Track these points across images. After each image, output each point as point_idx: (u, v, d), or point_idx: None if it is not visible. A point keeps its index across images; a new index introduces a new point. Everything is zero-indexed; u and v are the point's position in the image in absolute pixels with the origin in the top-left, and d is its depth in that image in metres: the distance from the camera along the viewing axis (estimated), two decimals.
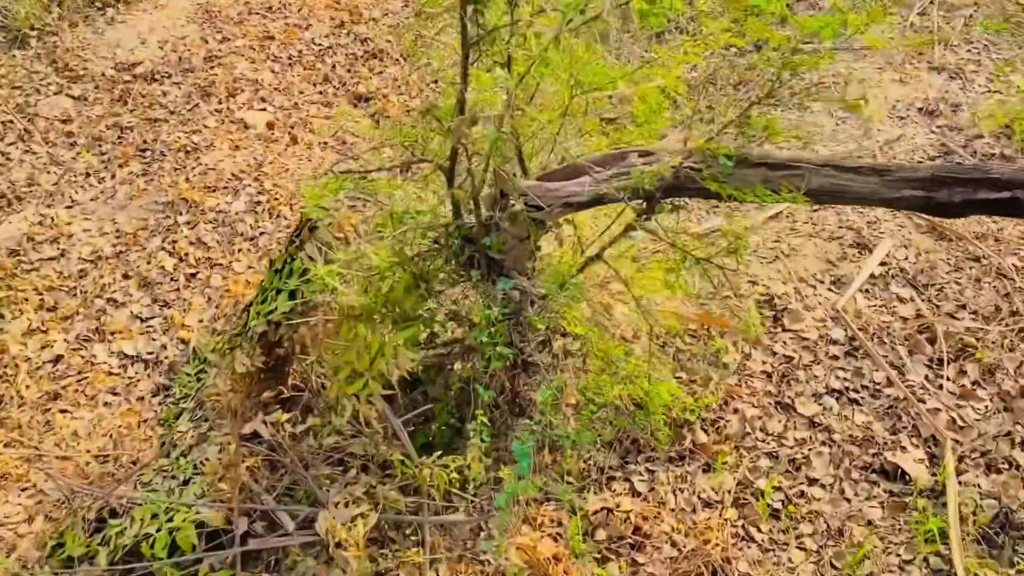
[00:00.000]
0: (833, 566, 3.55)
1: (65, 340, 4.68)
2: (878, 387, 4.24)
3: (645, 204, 3.08)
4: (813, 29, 2.23)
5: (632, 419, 3.91)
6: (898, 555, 3.54)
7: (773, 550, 3.62)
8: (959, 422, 3.99)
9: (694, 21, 6.44)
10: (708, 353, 4.45)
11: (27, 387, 4.41)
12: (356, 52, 7.60)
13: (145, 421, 4.32)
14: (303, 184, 5.46)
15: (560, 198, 3.17)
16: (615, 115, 6.00)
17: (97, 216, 5.46)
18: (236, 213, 5.47)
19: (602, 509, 3.73)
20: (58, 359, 4.60)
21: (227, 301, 4.86)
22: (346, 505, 3.35)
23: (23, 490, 3.98)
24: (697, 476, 3.89)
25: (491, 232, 3.39)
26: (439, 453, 3.52)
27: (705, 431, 4.07)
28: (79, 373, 4.51)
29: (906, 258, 4.95)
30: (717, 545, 3.59)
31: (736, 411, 4.16)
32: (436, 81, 7.05)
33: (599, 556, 3.59)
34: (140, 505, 3.63)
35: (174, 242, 5.25)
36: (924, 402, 4.09)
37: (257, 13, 7.79)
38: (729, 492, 3.82)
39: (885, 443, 3.95)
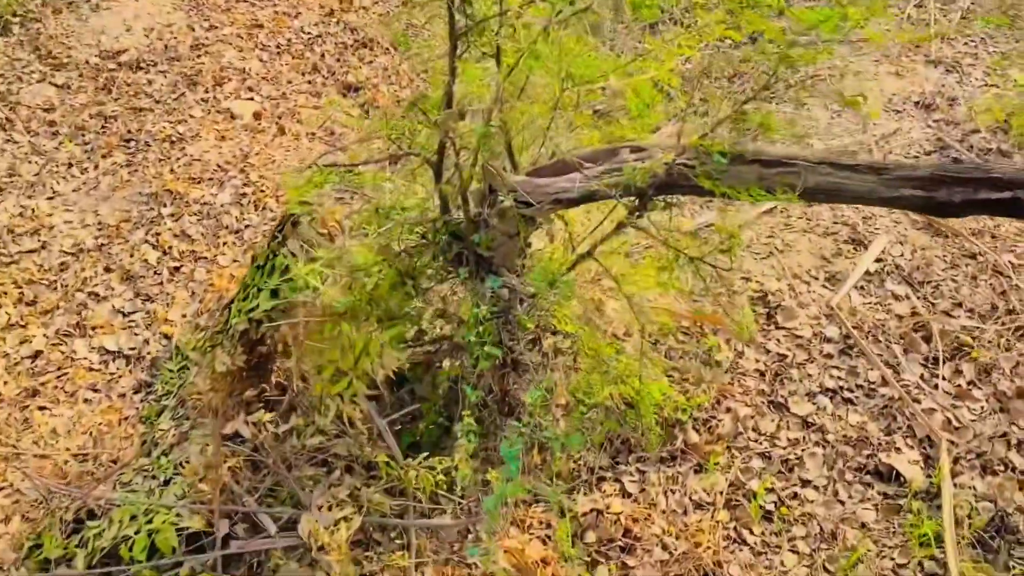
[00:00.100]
0: (826, 570, 3.49)
1: (45, 335, 4.58)
2: (873, 386, 4.18)
3: (637, 201, 3.00)
4: (812, 23, 2.15)
5: (623, 420, 3.84)
6: (892, 559, 3.48)
7: (765, 553, 3.56)
8: (955, 423, 3.93)
9: (688, 12, 6.35)
10: (701, 351, 4.38)
11: (4, 383, 4.31)
12: (346, 41, 7.49)
13: (126, 418, 4.23)
14: (284, 177, 5.35)
15: (550, 194, 3.09)
16: (607, 108, 5.92)
17: (79, 208, 5.35)
18: (221, 205, 5.36)
19: (592, 511, 3.66)
20: (37, 355, 4.50)
21: (211, 296, 4.76)
22: (329, 508, 3.28)
23: (0, 489, 3.89)
24: (689, 477, 3.82)
25: (480, 228, 3.30)
26: (426, 454, 3.45)
27: (697, 431, 4.01)
28: (59, 369, 4.42)
29: (902, 255, 4.88)
30: (708, 548, 3.53)
31: (729, 410, 4.09)
32: (426, 71, 6.93)
33: (589, 559, 3.52)
34: (119, 506, 3.55)
35: (158, 235, 5.15)
36: (919, 402, 4.03)
37: (245, 1, 7.66)
38: (721, 493, 3.75)
39: (879, 444, 3.89)
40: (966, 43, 7.06)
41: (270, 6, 7.68)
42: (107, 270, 4.95)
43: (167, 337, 4.61)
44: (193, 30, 7.24)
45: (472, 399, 3.28)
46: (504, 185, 3.12)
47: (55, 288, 4.82)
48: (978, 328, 4.36)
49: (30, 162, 5.68)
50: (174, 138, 5.93)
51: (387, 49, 7.40)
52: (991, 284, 4.61)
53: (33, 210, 5.28)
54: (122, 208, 5.34)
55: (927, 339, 4.35)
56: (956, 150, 5.80)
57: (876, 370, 4.22)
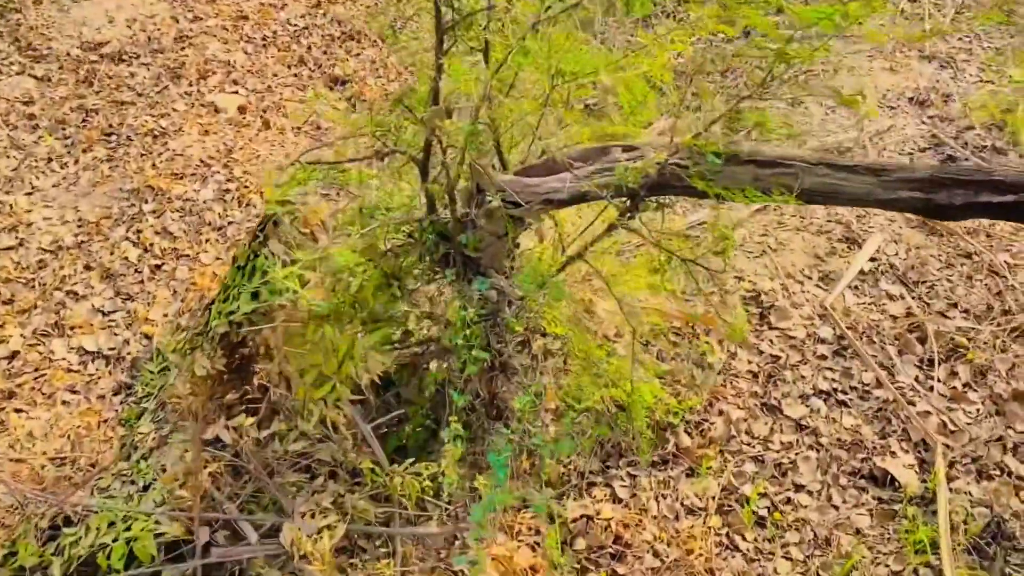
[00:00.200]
0: None
1: (22, 335, 4.46)
2: (867, 388, 4.11)
3: (629, 202, 2.91)
4: (812, 20, 2.07)
5: (614, 423, 3.76)
6: (887, 566, 3.42)
7: (758, 560, 3.49)
8: (950, 426, 3.87)
9: (681, 6, 6.25)
10: (693, 352, 4.31)
11: None
12: (333, 33, 7.37)
13: (105, 421, 4.12)
14: (265, 175, 5.24)
15: (540, 195, 3.00)
16: (598, 102, 5.83)
17: (58, 203, 5.23)
18: (204, 201, 5.25)
19: (582, 517, 3.59)
20: (14, 355, 4.38)
21: (193, 294, 4.66)
22: (313, 516, 3.19)
23: None
24: (680, 481, 3.75)
25: (467, 229, 3.21)
26: (411, 460, 3.36)
27: (689, 434, 3.93)
28: (36, 370, 4.31)
29: (896, 254, 4.82)
30: (701, 555, 3.46)
31: (721, 413, 4.02)
32: (414, 64, 6.83)
33: (578, 567, 3.45)
34: (97, 513, 3.45)
35: (139, 232, 5.03)
36: (914, 405, 3.96)
37: None
38: (713, 498, 3.69)
39: (874, 447, 3.83)
40: (960, 39, 6.99)
41: None
42: (87, 268, 4.83)
43: (148, 337, 4.50)
44: (177, 21, 7.10)
45: (459, 404, 3.19)
46: (492, 185, 3.03)
47: (33, 287, 4.71)
48: (973, 329, 4.30)
49: (8, 156, 5.55)
50: (156, 132, 5.80)
51: (375, 41, 7.28)
52: (986, 284, 4.55)
53: (11, 206, 5.16)
54: (102, 204, 5.22)
55: (922, 340, 4.29)
56: (951, 147, 5.74)
57: (870, 372, 4.16)
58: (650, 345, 4.25)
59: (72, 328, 4.51)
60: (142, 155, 5.60)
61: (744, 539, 3.54)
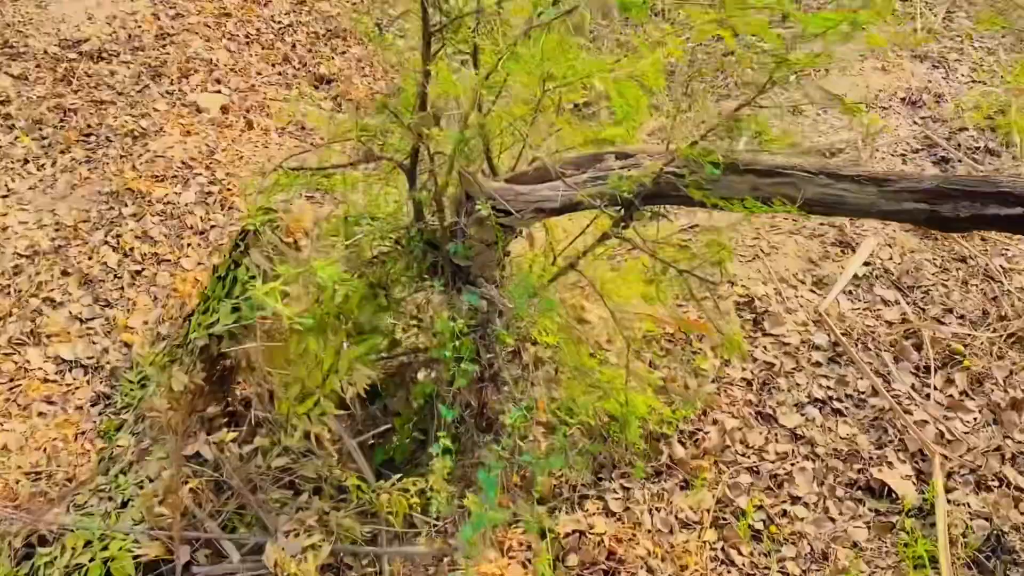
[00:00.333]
0: None
1: None
2: (863, 396, 4.05)
3: (623, 211, 2.82)
4: (819, 29, 1.98)
5: (607, 433, 3.68)
6: None
7: (754, 575, 3.41)
8: (947, 435, 3.80)
9: (675, 10, 6.15)
10: (686, 360, 4.23)
11: None
12: (318, 31, 7.24)
13: (83, 433, 4.00)
14: (243, 183, 5.11)
15: (531, 203, 2.90)
16: (589, 102, 5.73)
17: (35, 207, 5.09)
18: (186, 205, 5.12)
19: (574, 532, 3.50)
20: None
21: (174, 301, 4.53)
22: (297, 534, 3.09)
23: None
24: (675, 494, 3.67)
25: (456, 237, 3.11)
26: (399, 476, 3.26)
27: (683, 444, 3.85)
28: (11, 380, 4.18)
29: (890, 258, 4.75)
30: (696, 571, 3.38)
31: (715, 422, 3.94)
32: (400, 63, 6.71)
33: None
34: (73, 531, 3.34)
35: (118, 236, 4.90)
36: (911, 413, 3.90)
37: None
38: (708, 511, 3.61)
39: (871, 458, 3.76)
40: (952, 38, 6.94)
41: None
42: (64, 274, 4.70)
43: (127, 345, 4.38)
44: (158, 19, 6.95)
45: (448, 419, 3.10)
46: (482, 192, 2.93)
47: (7, 293, 4.57)
48: (970, 335, 4.24)
49: None
50: (136, 133, 5.66)
51: (361, 40, 7.16)
52: (982, 289, 4.49)
53: None
54: (81, 207, 5.08)
55: (918, 347, 4.23)
56: (944, 148, 5.68)
57: (866, 379, 4.09)
58: (643, 352, 4.16)
59: (49, 336, 4.38)
60: (122, 156, 5.46)
61: (740, 553, 3.47)
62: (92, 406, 4.14)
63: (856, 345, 4.27)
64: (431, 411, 3.53)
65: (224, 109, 6.05)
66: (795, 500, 3.65)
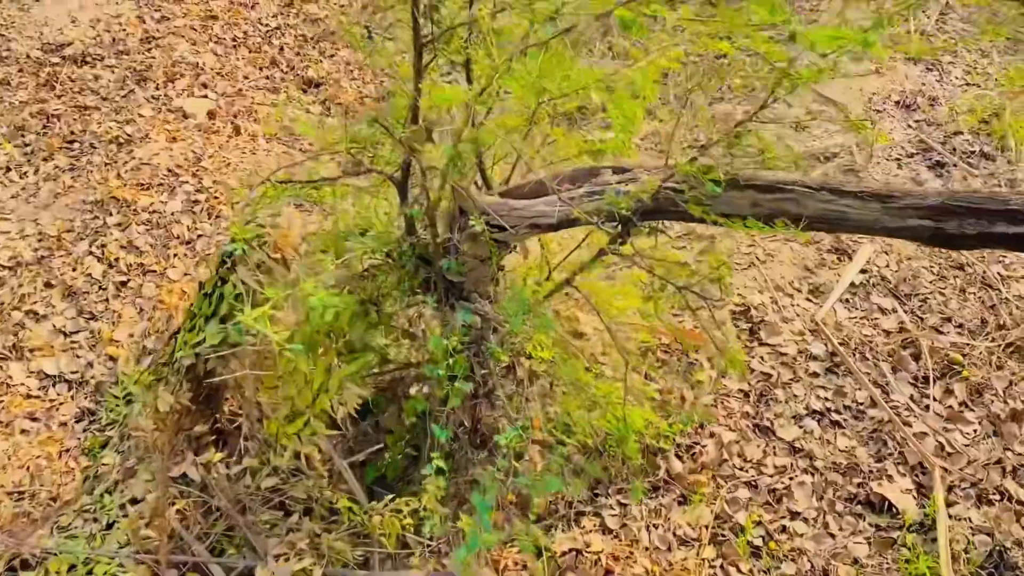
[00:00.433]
0: None
1: None
2: (861, 408, 4.00)
3: (620, 227, 2.75)
4: (828, 46, 1.92)
5: (602, 451, 3.62)
6: None
7: None
8: (947, 448, 3.76)
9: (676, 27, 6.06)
10: (682, 371, 4.17)
11: None
12: (306, 33, 7.14)
13: (67, 451, 3.91)
14: (231, 195, 5.00)
15: (526, 218, 2.83)
16: (583, 105, 5.65)
17: (17, 216, 4.98)
18: (172, 213, 5.02)
19: (571, 550, 3.43)
20: None
21: (161, 313, 4.44)
22: (287, 558, 3.01)
23: None
24: (672, 510, 3.61)
25: (449, 253, 3.04)
26: (391, 497, 3.18)
27: (680, 458, 3.79)
28: None
29: (887, 265, 4.71)
30: None
31: (712, 435, 3.89)
32: (391, 65, 6.61)
33: None
34: (56, 555, 3.25)
35: (103, 246, 4.80)
36: (910, 425, 3.85)
37: None
38: (707, 527, 3.55)
39: (870, 471, 3.71)
40: (945, 40, 6.90)
41: None
42: (47, 285, 4.60)
43: (113, 359, 4.28)
44: (143, 21, 6.84)
45: (441, 439, 3.02)
46: (476, 207, 2.86)
47: None
48: (968, 345, 4.20)
49: None
50: (121, 139, 5.56)
51: (349, 42, 7.06)
52: (980, 298, 4.45)
53: None
54: (64, 217, 4.98)
55: (916, 357, 4.18)
56: (938, 152, 5.64)
57: (864, 390, 4.04)
58: (638, 365, 4.09)
59: (32, 351, 4.28)
60: (106, 164, 5.35)
61: (739, 571, 3.41)
62: (76, 422, 4.04)
63: (854, 355, 4.22)
64: (424, 427, 3.46)
65: (211, 114, 5.95)
66: (794, 515, 3.59)
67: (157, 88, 6.13)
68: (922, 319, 4.39)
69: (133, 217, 4.97)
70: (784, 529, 3.54)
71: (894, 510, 3.56)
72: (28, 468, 3.82)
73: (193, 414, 3.32)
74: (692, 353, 4.21)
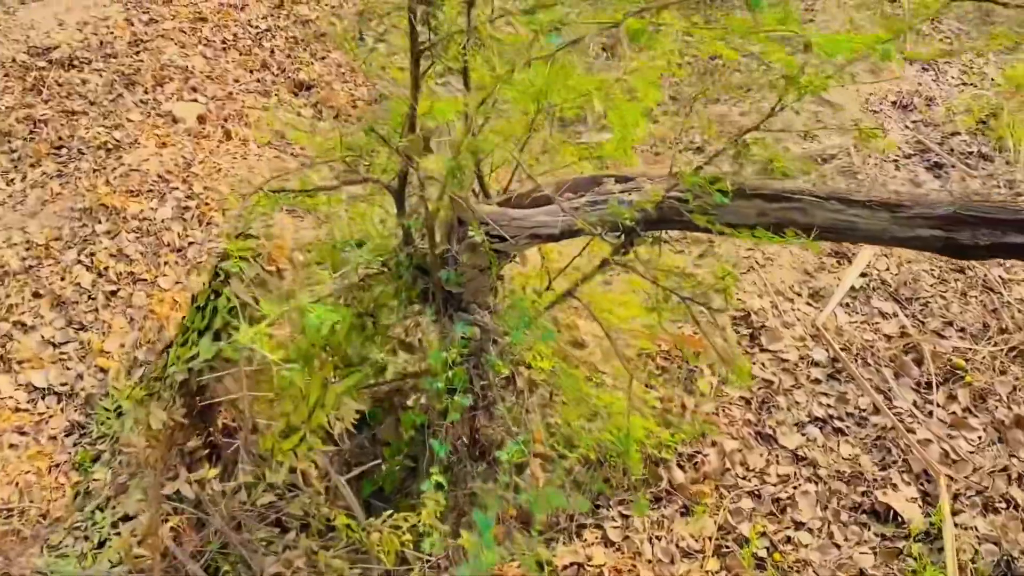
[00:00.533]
0: None
1: None
2: (864, 414, 3.95)
3: (624, 237, 2.69)
4: (844, 53, 1.86)
5: (603, 460, 3.56)
6: None
7: None
8: (952, 455, 3.71)
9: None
10: (682, 377, 4.12)
11: None
12: (297, 35, 7.05)
13: (57, 466, 3.83)
14: (223, 202, 4.92)
15: (526, 229, 2.77)
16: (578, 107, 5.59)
17: (4, 224, 4.89)
18: (162, 221, 4.94)
19: (572, 564, 3.37)
20: None
21: (152, 323, 4.36)
22: None
23: None
24: (675, 521, 3.56)
25: (448, 264, 2.98)
26: (390, 512, 3.12)
27: (682, 468, 3.74)
28: None
29: (887, 269, 4.66)
30: None
31: (714, 444, 3.83)
32: (384, 68, 6.54)
33: None
34: (47, 575, 3.18)
35: (92, 254, 4.71)
36: (914, 432, 3.81)
37: None
38: (710, 539, 3.49)
39: (874, 480, 3.66)
40: (941, 39, 6.87)
41: None
42: (35, 295, 4.51)
43: (103, 371, 4.20)
44: (131, 24, 6.74)
45: (441, 454, 2.96)
46: (475, 218, 2.79)
47: None
48: (971, 349, 4.16)
49: None
50: (110, 145, 5.47)
51: (341, 45, 6.98)
52: (982, 301, 4.41)
53: None
54: (52, 225, 4.89)
55: (918, 362, 4.13)
56: (936, 153, 5.61)
57: (867, 396, 3.99)
58: (638, 371, 4.04)
59: (20, 362, 4.20)
60: (95, 170, 5.27)
61: None
62: (67, 436, 3.96)
63: (855, 360, 4.18)
64: (422, 438, 3.39)
65: (201, 119, 5.86)
66: (799, 526, 3.54)
67: (146, 92, 6.04)
68: (923, 323, 4.35)
69: (123, 224, 4.89)
70: (789, 540, 3.49)
71: (899, 519, 3.51)
72: (17, 484, 3.74)
73: (186, 429, 3.25)
74: (693, 360, 4.15)
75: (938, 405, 3.94)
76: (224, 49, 6.71)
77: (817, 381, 4.11)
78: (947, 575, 3.26)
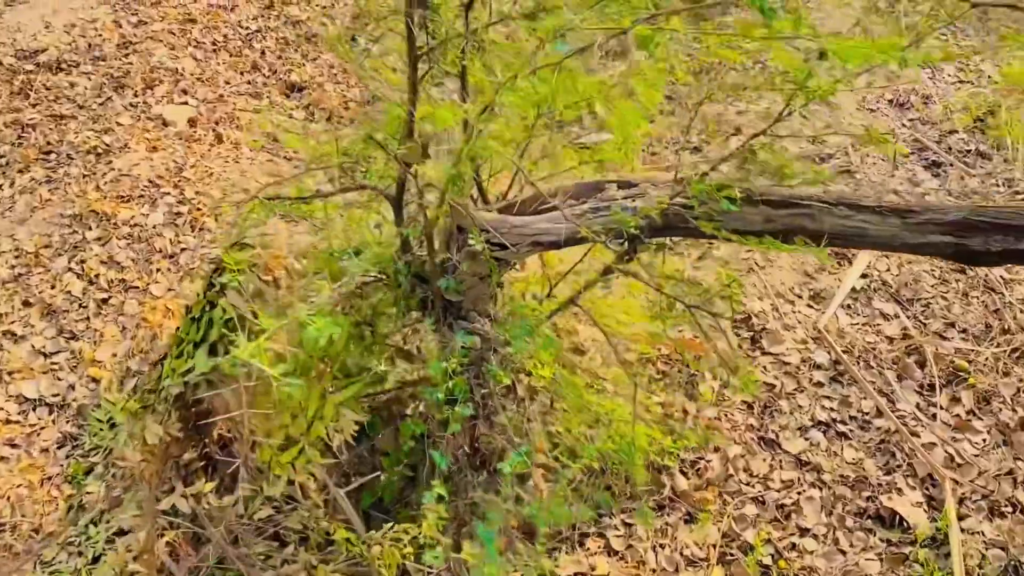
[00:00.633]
0: None
1: None
2: (867, 418, 3.92)
3: (627, 244, 2.64)
4: (862, 60, 1.82)
5: (605, 469, 3.51)
6: None
7: None
8: (956, 459, 3.68)
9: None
10: (684, 381, 4.07)
11: None
12: (287, 36, 6.97)
13: (50, 479, 3.76)
14: (215, 207, 4.85)
15: (528, 236, 2.71)
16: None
17: None
18: (154, 226, 4.86)
19: (575, 574, 3.33)
20: None
21: (144, 332, 4.29)
22: None
23: None
24: (679, 529, 3.51)
25: (447, 272, 2.92)
26: (391, 525, 3.06)
27: (685, 474, 3.70)
28: None
29: (888, 269, 4.63)
30: None
31: (717, 450, 3.79)
32: (377, 70, 6.46)
33: None
34: None
35: (83, 262, 4.64)
36: (918, 435, 3.77)
37: None
38: (714, 546, 3.45)
39: (879, 484, 3.63)
40: (936, 36, 6.83)
41: None
42: (25, 304, 4.43)
43: (95, 381, 4.13)
44: (119, 26, 6.65)
45: (442, 466, 2.91)
46: (475, 225, 2.73)
47: None
48: (973, 351, 4.13)
49: None
50: (100, 150, 5.38)
51: (336, 53, 6.91)
52: (983, 301, 4.38)
53: None
54: (42, 232, 4.81)
55: (921, 364, 4.10)
56: (934, 152, 5.58)
57: (870, 399, 3.96)
58: (639, 376, 3.99)
59: (10, 373, 4.12)
60: (84, 176, 5.18)
61: None
62: (59, 448, 3.89)
63: (858, 363, 4.14)
64: (421, 447, 3.34)
65: (192, 122, 5.78)
66: (804, 532, 3.50)
67: (135, 95, 5.96)
68: (925, 324, 4.32)
69: (113, 231, 4.81)
70: (794, 547, 3.45)
71: (905, 524, 3.48)
72: (9, 498, 3.67)
73: (182, 442, 3.18)
74: (694, 365, 4.11)
75: (942, 408, 3.91)
76: (214, 51, 6.63)
77: (819, 384, 4.08)
78: None
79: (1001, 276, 4.48)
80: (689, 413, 3.92)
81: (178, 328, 3.13)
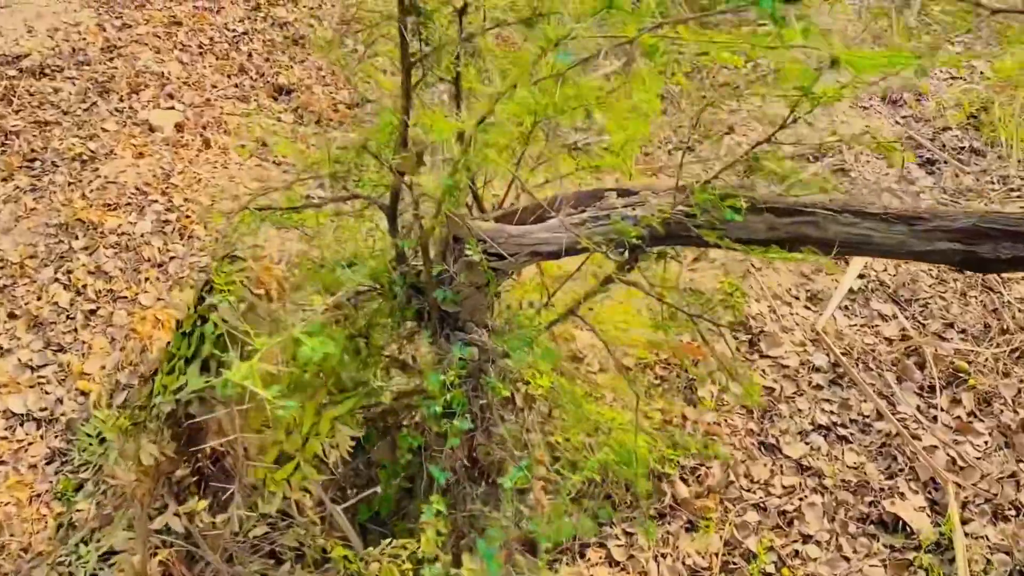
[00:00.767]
0: None
1: None
2: (867, 421, 3.88)
3: (628, 253, 2.59)
4: (873, 73, 1.77)
5: (605, 478, 3.46)
6: None
7: None
8: (959, 462, 3.65)
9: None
10: (682, 386, 4.03)
11: None
12: (275, 38, 6.89)
13: (38, 496, 3.68)
14: (203, 214, 4.77)
15: (526, 246, 2.66)
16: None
17: None
18: (141, 235, 4.78)
19: None
20: None
21: (133, 343, 4.21)
22: None
23: None
24: (680, 537, 3.47)
25: (443, 283, 2.86)
26: (389, 541, 3.00)
27: (686, 481, 3.65)
28: None
29: (885, 269, 4.60)
30: None
31: (717, 456, 3.74)
32: (369, 76, 6.39)
33: None
34: None
35: (69, 272, 4.55)
36: (919, 438, 3.74)
37: None
38: (717, 555, 3.41)
39: (881, 489, 3.59)
40: (927, 32, 6.81)
41: (189, 1, 7.02)
42: (11, 316, 4.35)
43: (84, 394, 4.05)
44: (104, 30, 6.55)
45: (440, 481, 2.85)
46: (472, 235, 2.68)
47: None
48: (973, 351, 4.10)
49: None
50: (85, 157, 5.29)
51: (321, 46, 6.82)
52: (982, 301, 4.35)
53: None
54: (27, 241, 4.72)
55: (920, 365, 4.07)
56: (928, 149, 5.55)
57: (870, 402, 3.92)
58: (637, 382, 3.94)
59: None
60: (70, 183, 5.09)
61: None
62: (47, 464, 3.81)
63: (857, 365, 4.11)
64: (418, 459, 3.28)
65: (179, 127, 5.70)
66: (806, 539, 3.47)
67: (121, 100, 5.87)
68: (924, 325, 4.28)
69: (100, 240, 4.73)
70: (797, 554, 3.42)
71: (908, 529, 3.45)
72: None
73: (174, 460, 3.11)
74: (692, 370, 4.07)
75: (942, 410, 3.88)
76: (200, 54, 6.54)
77: (819, 387, 4.04)
78: None
79: (999, 275, 4.45)
80: (689, 419, 3.88)
81: (169, 343, 3.05)
